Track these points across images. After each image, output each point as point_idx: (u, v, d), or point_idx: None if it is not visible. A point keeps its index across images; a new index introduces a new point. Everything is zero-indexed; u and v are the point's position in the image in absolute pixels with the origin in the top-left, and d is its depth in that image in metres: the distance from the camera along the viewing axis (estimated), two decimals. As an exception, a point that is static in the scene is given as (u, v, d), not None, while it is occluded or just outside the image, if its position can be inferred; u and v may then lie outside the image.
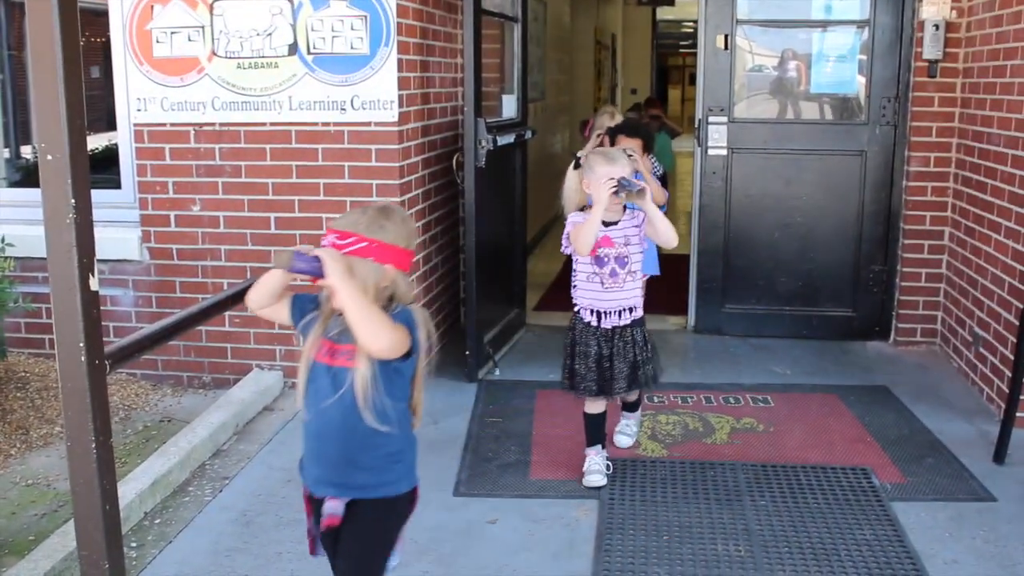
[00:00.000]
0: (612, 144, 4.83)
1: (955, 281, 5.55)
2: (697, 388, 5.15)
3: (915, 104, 5.68)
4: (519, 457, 4.30)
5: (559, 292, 7.15)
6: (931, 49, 5.55)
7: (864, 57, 5.86)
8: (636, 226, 3.84)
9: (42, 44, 2.13)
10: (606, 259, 3.85)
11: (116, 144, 5.21)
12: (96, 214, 2.27)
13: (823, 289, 6.02)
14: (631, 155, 4.17)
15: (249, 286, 4.09)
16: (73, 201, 2.16)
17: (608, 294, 3.88)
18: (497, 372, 5.40)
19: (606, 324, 3.91)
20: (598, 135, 5.33)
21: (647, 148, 5.02)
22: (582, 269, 3.97)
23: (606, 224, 3.80)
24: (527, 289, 6.45)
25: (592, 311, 3.93)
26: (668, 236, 3.84)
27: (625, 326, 3.92)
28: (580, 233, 3.79)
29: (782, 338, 6.01)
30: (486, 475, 4.13)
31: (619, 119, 5.44)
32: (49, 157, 2.15)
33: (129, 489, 3.72)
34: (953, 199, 5.65)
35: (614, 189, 3.70)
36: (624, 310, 3.91)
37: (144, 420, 4.73)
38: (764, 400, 4.99)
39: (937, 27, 5.51)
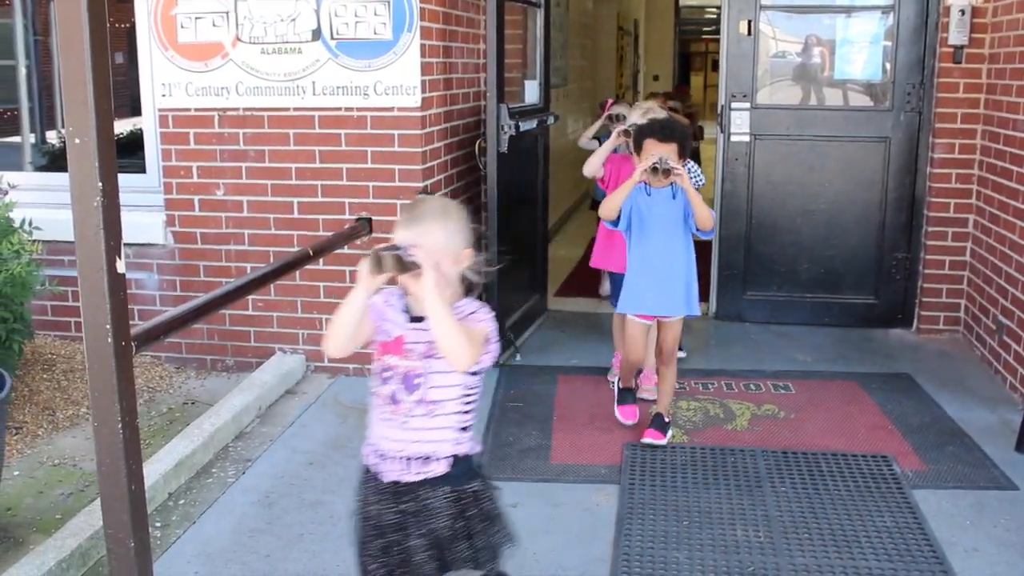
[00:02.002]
0: (638, 150, 4.19)
1: (979, 269, 5.51)
2: (718, 374, 5.14)
3: (940, 90, 5.63)
4: (540, 442, 4.31)
5: (581, 278, 7.16)
6: (957, 34, 5.50)
7: (889, 43, 5.82)
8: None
9: (71, 29, 2.15)
10: (390, 373, 2.46)
11: (141, 129, 5.24)
12: (121, 198, 2.29)
13: (845, 276, 6.00)
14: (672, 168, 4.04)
15: (272, 271, 4.13)
16: (100, 184, 2.18)
17: (389, 429, 2.46)
18: (518, 357, 5.41)
19: (389, 476, 2.45)
20: (618, 132, 4.87)
21: (683, 153, 4.13)
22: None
23: (413, 319, 2.44)
24: (548, 275, 6.44)
25: (376, 451, 2.50)
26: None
27: (417, 484, 2.43)
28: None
29: (804, 325, 5.99)
30: (507, 459, 4.14)
31: (653, 117, 4.57)
32: (77, 141, 2.17)
33: (154, 470, 3.75)
34: (978, 186, 5.60)
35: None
36: (414, 459, 2.43)
37: (168, 402, 4.77)
38: (785, 387, 4.98)
39: (963, 12, 5.46)
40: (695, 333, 5.88)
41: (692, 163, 4.90)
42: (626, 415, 4.50)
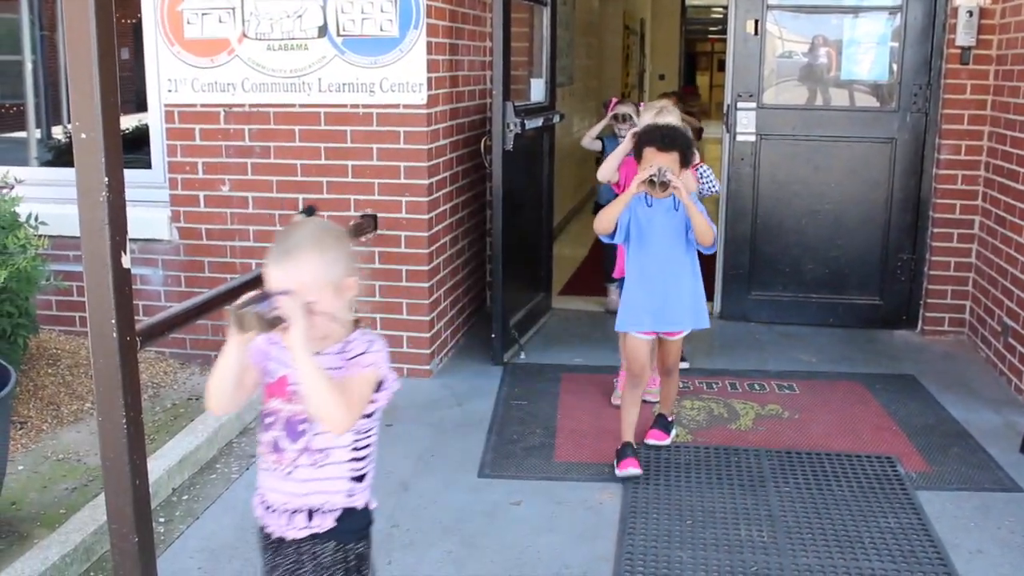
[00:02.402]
0: (638, 157, 3.92)
1: (984, 270, 5.50)
2: (722, 374, 5.14)
3: (947, 91, 5.62)
4: (544, 440, 4.31)
5: (585, 277, 7.16)
6: (964, 36, 5.49)
7: (896, 44, 5.81)
8: (339, 368, 2.14)
9: (77, 24, 2.15)
10: (272, 419, 2.22)
11: (147, 125, 5.24)
12: (127, 194, 2.29)
13: (851, 277, 5.99)
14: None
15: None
16: (106, 179, 2.19)
17: (274, 480, 2.22)
18: (523, 355, 5.41)
19: (275, 531, 2.22)
20: (633, 134, 4.31)
21: (685, 161, 3.90)
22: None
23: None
24: (553, 273, 6.44)
25: (262, 503, 2.26)
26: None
27: (300, 541, 2.20)
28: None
29: (808, 326, 5.98)
30: (511, 457, 4.14)
31: (668, 118, 4.28)
32: (83, 135, 2.18)
33: (158, 465, 3.76)
34: (984, 187, 5.59)
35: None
36: (296, 512, 2.19)
37: (172, 398, 4.78)
38: (789, 387, 4.97)
39: (971, 13, 5.45)
40: (699, 333, 5.82)
41: (706, 167, 4.65)
42: (627, 466, 3.92)
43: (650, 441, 4.19)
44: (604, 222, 3.93)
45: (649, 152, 3.82)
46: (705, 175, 4.64)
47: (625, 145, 4.57)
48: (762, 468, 4.01)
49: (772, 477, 3.93)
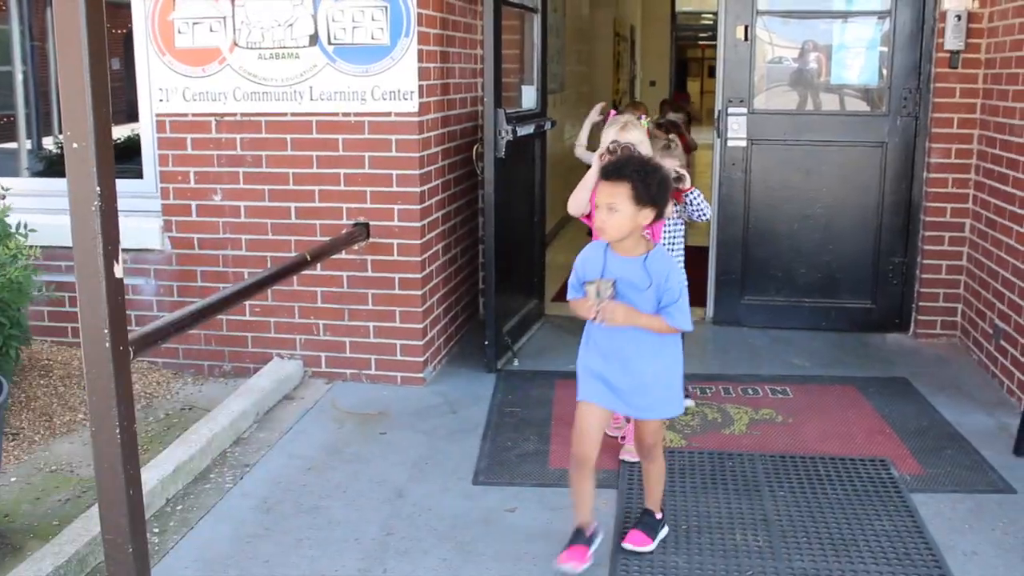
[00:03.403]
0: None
1: (975, 273, 5.52)
2: (716, 379, 5.14)
3: (936, 95, 5.64)
4: (538, 446, 4.31)
5: (577, 283, 7.15)
6: (953, 40, 5.51)
7: (885, 48, 5.83)
8: None
9: (69, 34, 2.15)
10: None
11: (138, 135, 5.24)
12: (119, 204, 2.29)
13: (843, 281, 6.00)
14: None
15: (270, 276, 4.11)
16: (98, 189, 2.19)
17: None
18: (516, 362, 5.41)
19: None
20: (600, 155, 3.93)
21: (643, 196, 3.03)
22: None
23: None
24: (546, 280, 6.45)
25: None
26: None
27: None
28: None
29: (801, 330, 5.99)
30: (505, 464, 4.14)
31: (633, 134, 3.95)
32: (75, 145, 2.17)
33: (151, 476, 3.75)
34: (974, 191, 5.61)
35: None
36: None
37: (165, 408, 4.77)
38: (783, 391, 4.98)
39: (959, 17, 5.47)
40: (693, 338, 5.87)
41: (696, 192, 4.22)
42: (569, 559, 3.24)
43: (627, 546, 3.40)
44: (577, 203, 3.96)
45: (601, 184, 3.12)
46: (695, 202, 4.26)
47: (593, 171, 3.89)
48: (756, 472, 4.02)
49: (767, 481, 3.93)
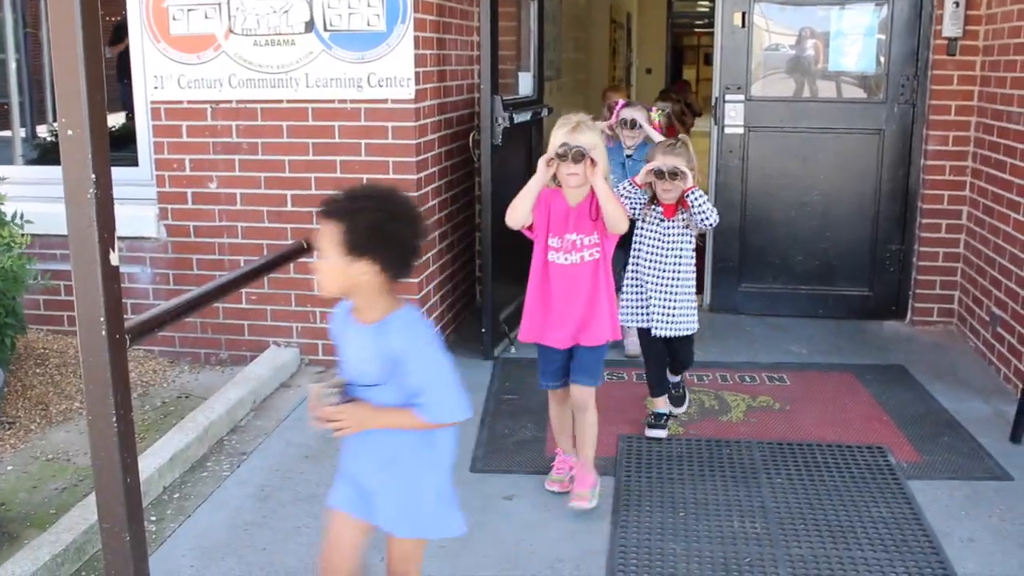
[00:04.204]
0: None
1: (973, 261, 5.52)
2: (713, 366, 5.14)
3: (934, 82, 5.63)
4: (535, 434, 4.31)
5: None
6: (951, 27, 5.50)
7: (882, 35, 5.82)
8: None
9: (63, 20, 2.13)
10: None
11: (133, 122, 5.21)
12: (114, 191, 2.27)
13: (840, 268, 6.00)
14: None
15: (266, 264, 4.10)
16: (93, 176, 2.17)
17: None
18: (513, 350, 5.41)
19: None
20: (547, 160, 3.43)
21: (351, 246, 2.27)
22: None
23: None
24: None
25: None
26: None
27: None
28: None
29: (798, 317, 5.99)
30: (502, 451, 4.14)
31: (585, 136, 3.38)
32: (70, 132, 2.15)
33: (148, 464, 3.74)
34: (972, 178, 5.61)
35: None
36: None
37: (162, 396, 4.76)
38: (780, 379, 4.98)
39: (957, 4, 5.46)
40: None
41: (699, 193, 3.98)
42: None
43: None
44: (516, 213, 3.47)
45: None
46: (697, 203, 3.97)
47: (538, 177, 3.41)
48: (754, 460, 4.02)
49: (764, 468, 3.94)
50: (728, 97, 5.93)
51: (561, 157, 3.36)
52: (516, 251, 5.72)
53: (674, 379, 4.51)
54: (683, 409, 4.53)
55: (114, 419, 2.28)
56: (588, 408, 3.64)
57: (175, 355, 5.21)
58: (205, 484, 3.86)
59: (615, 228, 3.39)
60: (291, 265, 4.79)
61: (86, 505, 3.42)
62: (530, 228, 3.53)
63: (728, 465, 3.98)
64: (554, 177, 3.45)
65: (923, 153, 5.74)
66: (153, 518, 3.56)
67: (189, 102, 4.95)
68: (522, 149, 5.82)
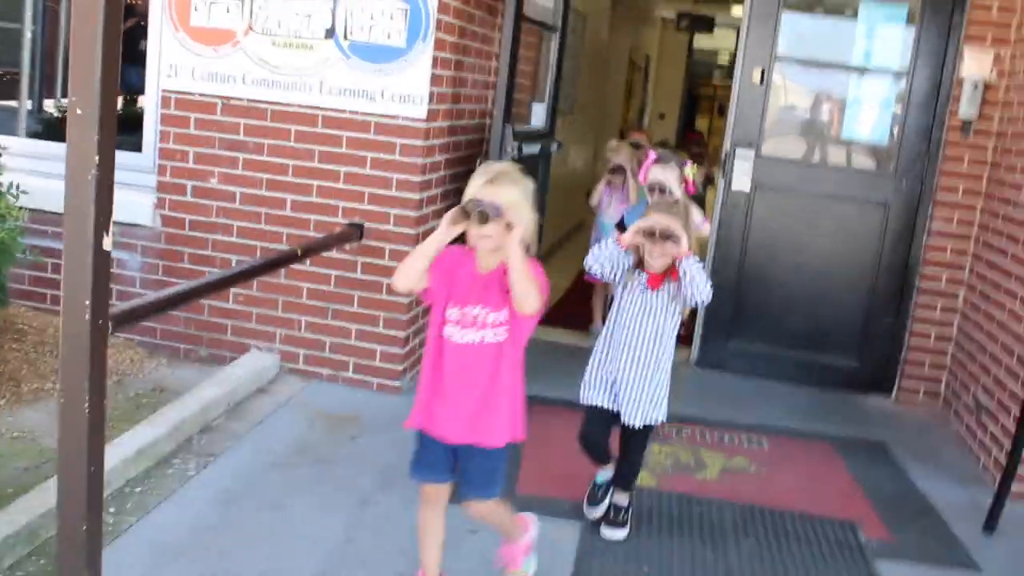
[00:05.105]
0: None
1: (964, 344, 5.54)
2: (693, 422, 5.13)
3: (945, 162, 5.67)
4: (508, 470, 4.26)
5: (567, 309, 7.14)
6: (967, 108, 5.54)
7: (899, 108, 5.87)
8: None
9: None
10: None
11: (134, 106, 5.20)
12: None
13: (831, 336, 6.00)
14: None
15: (259, 266, 4.10)
16: (97, 158, 2.17)
17: None
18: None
19: None
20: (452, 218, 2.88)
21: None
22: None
23: None
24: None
25: None
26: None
27: None
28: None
29: (785, 381, 5.98)
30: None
31: (504, 191, 2.85)
32: (79, 111, 2.16)
33: (113, 454, 3.71)
34: (972, 261, 5.63)
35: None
36: None
37: (136, 387, 4.73)
38: (759, 442, 4.97)
39: (976, 86, 5.51)
40: (675, 378, 5.85)
41: (694, 259, 3.46)
42: None
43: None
44: (403, 275, 2.90)
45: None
46: (690, 272, 3.44)
47: (440, 235, 2.87)
48: (724, 521, 4.01)
49: (733, 531, 3.93)
50: (739, 152, 5.96)
51: (465, 214, 2.81)
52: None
53: (619, 500, 3.85)
54: (622, 535, 3.79)
55: (87, 405, 2.28)
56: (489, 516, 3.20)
57: (154, 346, 5.18)
58: (169, 482, 3.83)
59: (521, 307, 2.82)
60: (282, 270, 4.81)
61: (47, 488, 3.39)
62: (425, 292, 2.96)
63: (697, 524, 3.96)
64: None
65: (927, 231, 5.77)
66: (112, 510, 3.53)
67: (200, 94, 4.95)
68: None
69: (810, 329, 6.03)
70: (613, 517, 3.81)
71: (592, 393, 3.77)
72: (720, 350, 6.14)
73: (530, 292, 2.79)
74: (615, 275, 3.60)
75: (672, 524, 3.94)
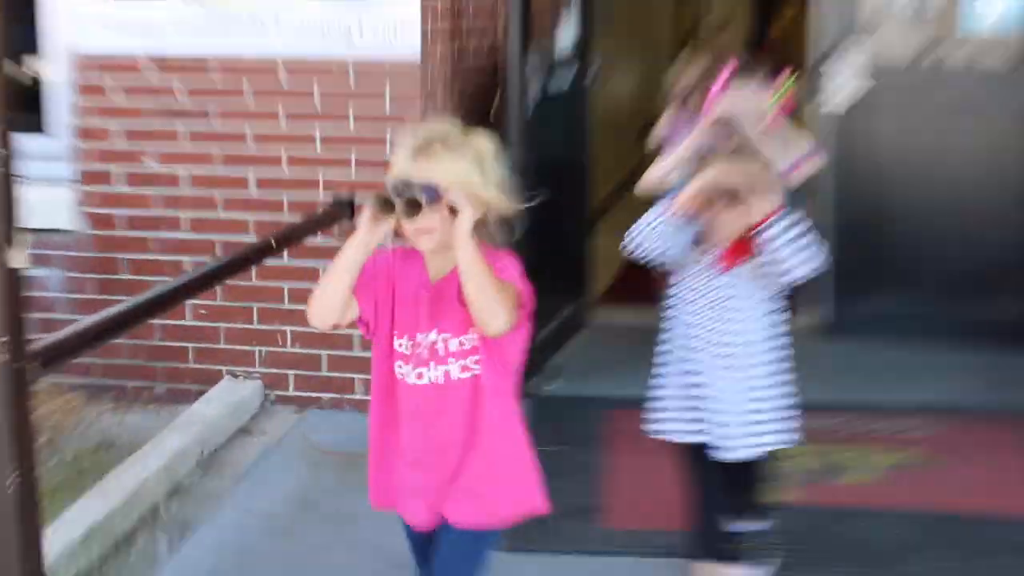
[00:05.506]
0: None
1: None
2: (833, 409, 5.03)
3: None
4: (588, 500, 4.27)
5: (633, 278, 7.03)
6: None
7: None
8: None
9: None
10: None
11: (39, 76, 5.22)
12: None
13: (998, 281, 5.93)
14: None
15: (221, 268, 4.03)
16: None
17: None
18: (551, 385, 5.39)
19: None
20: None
21: None
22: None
23: None
24: (591, 275, 6.45)
25: None
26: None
27: None
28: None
29: (945, 344, 5.83)
30: (543, 523, 3.98)
31: (440, 167, 2.59)
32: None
33: (57, 541, 3.65)
34: None
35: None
36: None
37: (75, 446, 4.72)
38: (919, 427, 4.92)
39: None
40: (799, 356, 5.78)
41: (785, 223, 3.15)
42: None
43: None
44: (320, 301, 2.67)
45: None
46: (775, 243, 3.15)
47: (360, 240, 2.62)
48: (892, 537, 3.95)
49: (900, 552, 3.85)
50: (836, 57, 5.90)
51: (385, 206, 2.53)
52: (553, 256, 5.66)
53: (738, 525, 3.58)
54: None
55: (11, 480, 2.23)
56: None
57: (93, 389, 5.17)
58: (132, 571, 3.80)
59: (485, 325, 2.57)
60: (254, 269, 4.79)
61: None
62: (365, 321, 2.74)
63: (849, 546, 3.90)
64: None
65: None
66: (61, 616, 3.49)
67: (120, 53, 4.96)
68: (562, 122, 5.85)
69: (970, 273, 5.94)
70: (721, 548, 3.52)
71: (666, 423, 3.57)
72: (854, 312, 6.07)
73: (491, 303, 2.53)
74: (670, 255, 3.38)
75: (815, 550, 3.85)
